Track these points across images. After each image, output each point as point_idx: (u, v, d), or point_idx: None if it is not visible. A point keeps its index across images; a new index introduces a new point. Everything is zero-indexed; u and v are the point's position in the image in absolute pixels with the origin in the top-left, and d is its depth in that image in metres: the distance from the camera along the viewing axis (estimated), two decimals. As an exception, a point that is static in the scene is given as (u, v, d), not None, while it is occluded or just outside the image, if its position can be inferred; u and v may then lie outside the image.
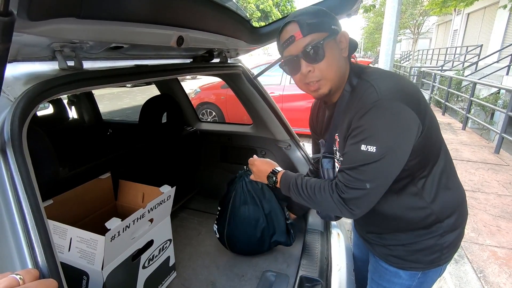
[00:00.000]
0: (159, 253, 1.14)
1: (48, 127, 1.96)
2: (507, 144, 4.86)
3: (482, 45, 10.70)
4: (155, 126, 1.52)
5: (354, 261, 1.39)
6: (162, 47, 0.95)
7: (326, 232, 1.50)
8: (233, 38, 1.25)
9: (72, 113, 2.34)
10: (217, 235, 1.39)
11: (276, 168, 1.02)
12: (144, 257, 1.05)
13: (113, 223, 0.86)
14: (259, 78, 1.65)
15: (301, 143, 1.74)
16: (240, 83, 1.57)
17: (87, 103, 2.31)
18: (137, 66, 0.78)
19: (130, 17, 0.69)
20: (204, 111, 6.05)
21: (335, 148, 0.95)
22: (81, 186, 1.11)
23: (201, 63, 1.18)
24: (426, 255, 0.90)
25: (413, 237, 0.90)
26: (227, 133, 1.94)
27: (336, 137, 0.90)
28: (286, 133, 1.68)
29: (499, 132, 4.55)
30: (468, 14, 14.04)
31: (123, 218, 0.93)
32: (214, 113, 5.97)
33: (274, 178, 1.00)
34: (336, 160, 0.96)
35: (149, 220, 1.05)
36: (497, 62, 8.97)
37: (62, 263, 0.95)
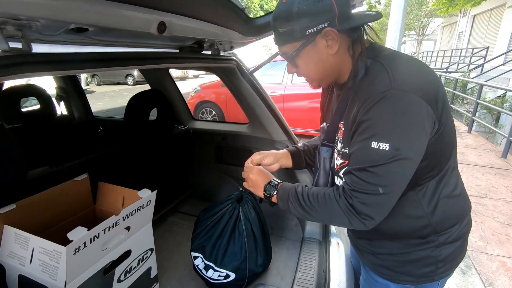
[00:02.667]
0: (138, 264, 1.02)
1: (34, 123, 1.85)
2: (514, 148, 4.71)
3: (488, 47, 10.52)
4: (142, 124, 1.41)
5: (354, 273, 1.28)
6: (142, 33, 0.83)
7: (324, 241, 1.38)
8: (225, 28, 1.13)
9: (61, 109, 2.24)
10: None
11: (274, 179, 0.89)
12: (119, 270, 0.94)
13: (77, 233, 0.75)
14: (258, 75, 1.54)
15: (299, 144, 1.62)
16: (235, 79, 1.46)
17: (77, 99, 2.21)
18: (101, 52, 0.67)
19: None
20: (204, 110, 5.94)
21: (337, 138, 0.83)
22: (52, 188, 1.00)
23: (188, 53, 1.07)
24: (418, 267, 0.80)
25: (405, 246, 0.80)
26: (221, 133, 1.83)
27: (341, 125, 0.78)
28: (283, 134, 1.56)
29: (506, 135, 4.40)
30: (474, 16, 13.85)
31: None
32: (214, 112, 5.86)
33: (271, 191, 0.86)
34: (336, 150, 0.84)
35: (125, 228, 0.94)
36: (503, 64, 8.80)
37: (22, 277, 0.85)
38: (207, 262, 1.14)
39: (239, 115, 5.64)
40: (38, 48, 0.60)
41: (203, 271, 1.15)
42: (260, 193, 0.89)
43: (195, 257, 1.17)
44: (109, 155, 1.39)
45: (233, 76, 1.45)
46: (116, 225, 0.87)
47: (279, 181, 0.88)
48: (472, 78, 8.35)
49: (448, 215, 0.77)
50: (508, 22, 10.30)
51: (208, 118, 5.92)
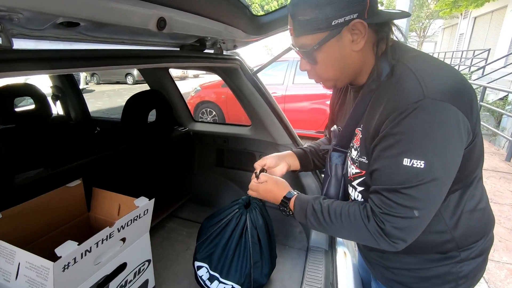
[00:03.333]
0: (134, 277, 0.96)
1: (28, 123, 1.79)
2: (518, 151, 4.65)
3: (490, 49, 10.47)
4: (140, 126, 1.34)
5: (363, 286, 1.21)
6: (140, 30, 0.77)
7: (331, 250, 1.32)
8: (229, 25, 1.07)
9: (57, 109, 2.16)
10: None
11: (290, 191, 0.82)
12: (114, 284, 0.88)
13: (66, 249, 0.68)
14: (259, 75, 1.47)
15: (304, 148, 1.55)
16: (237, 79, 1.39)
17: (74, 99, 2.14)
18: (91, 50, 0.60)
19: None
20: (204, 110, 5.88)
21: (351, 145, 0.76)
22: (42, 196, 0.93)
23: (189, 52, 1.00)
24: (436, 284, 0.74)
25: (423, 261, 0.74)
26: (223, 135, 1.76)
27: (357, 131, 0.71)
28: (288, 137, 1.50)
29: (510, 138, 4.35)
30: (475, 17, 13.81)
31: (96, 231, 0.76)
32: (214, 113, 5.80)
33: (285, 206, 0.80)
34: (350, 157, 0.77)
35: (120, 240, 0.87)
36: (504, 67, 8.75)
37: (7, 295, 0.78)
38: (212, 273, 1.07)
39: (240, 116, 5.58)
40: (22, 44, 0.53)
41: (207, 283, 1.08)
42: (275, 202, 0.83)
43: (199, 267, 1.10)
44: (105, 159, 1.32)
45: (236, 77, 1.38)
46: (110, 237, 0.81)
47: (294, 193, 0.81)
48: (474, 80, 8.30)
49: (473, 229, 0.71)
50: (509, 25, 10.25)
51: (208, 119, 5.86)
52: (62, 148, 1.73)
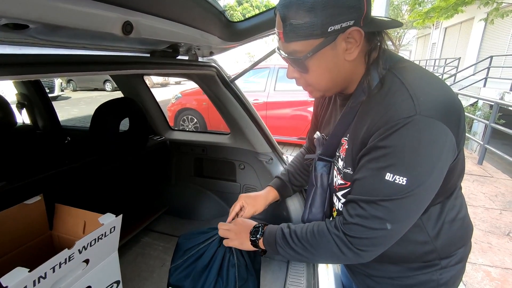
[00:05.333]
0: (100, 301, 0.88)
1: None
2: (488, 155, 4.88)
3: (460, 58, 11.06)
4: (110, 135, 1.27)
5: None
6: (103, 34, 0.71)
7: (312, 261, 1.29)
8: (203, 31, 1.03)
9: (23, 118, 2.03)
10: None
11: (258, 223, 0.80)
12: (76, 311, 0.79)
13: (15, 276, 0.60)
14: (240, 82, 1.44)
15: (284, 156, 1.53)
16: (214, 87, 1.35)
17: (41, 107, 2.01)
18: (38, 54, 0.54)
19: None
20: (185, 117, 5.78)
21: (338, 155, 0.73)
22: (-6, 215, 0.84)
23: (160, 58, 0.95)
24: None
25: (405, 270, 0.73)
26: (201, 144, 1.70)
27: (344, 141, 0.69)
28: (267, 145, 1.47)
29: (481, 143, 4.56)
30: (446, 28, 14.59)
31: (59, 251, 0.68)
32: (195, 120, 5.71)
33: (257, 234, 0.77)
34: (336, 167, 0.75)
35: (83, 261, 0.80)
36: (473, 74, 9.26)
37: None
38: None
39: (222, 123, 5.50)
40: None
41: None
42: (247, 243, 0.79)
43: None
44: (71, 172, 1.23)
45: (213, 84, 1.34)
46: (70, 260, 0.73)
47: (263, 223, 0.78)
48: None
49: (454, 239, 0.71)
50: (477, 35, 10.91)
51: (190, 126, 5.76)
52: (27, 159, 1.61)
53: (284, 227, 0.72)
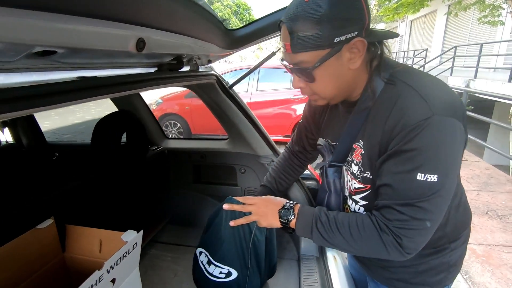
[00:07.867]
0: (126, 319, 0.87)
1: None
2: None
3: (427, 49, 11.66)
4: (112, 150, 1.25)
5: (356, 285, 1.25)
6: (117, 52, 0.71)
7: (322, 256, 1.34)
8: (206, 42, 1.04)
9: (6, 137, 1.92)
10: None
11: (287, 202, 0.80)
12: (105, 332, 0.79)
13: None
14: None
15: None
16: (214, 94, 1.37)
17: (25, 123, 1.91)
18: (80, 79, 0.54)
19: (65, 7, 0.46)
20: (167, 123, 5.68)
21: (350, 160, 0.76)
22: (8, 244, 0.81)
23: (168, 72, 0.96)
24: (432, 275, 0.80)
25: (419, 257, 0.78)
26: (199, 151, 1.70)
27: (356, 146, 0.73)
28: (268, 148, 1.50)
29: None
30: (412, 21, 15.32)
31: (74, 273, 0.67)
32: (178, 125, 5.63)
33: (288, 215, 0.76)
34: (349, 172, 0.78)
35: (110, 281, 0.79)
36: (440, 64, 9.82)
37: None
38: (210, 258, 0.97)
39: (207, 125, 5.46)
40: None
41: (206, 267, 0.98)
42: (274, 221, 0.78)
43: (200, 253, 1.02)
44: (74, 190, 1.20)
45: (213, 92, 1.35)
46: (99, 282, 0.73)
47: (293, 202, 0.79)
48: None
49: (460, 223, 0.79)
50: (440, 27, 11.56)
51: (173, 131, 5.67)
52: (16, 180, 1.54)
53: (321, 214, 0.72)
